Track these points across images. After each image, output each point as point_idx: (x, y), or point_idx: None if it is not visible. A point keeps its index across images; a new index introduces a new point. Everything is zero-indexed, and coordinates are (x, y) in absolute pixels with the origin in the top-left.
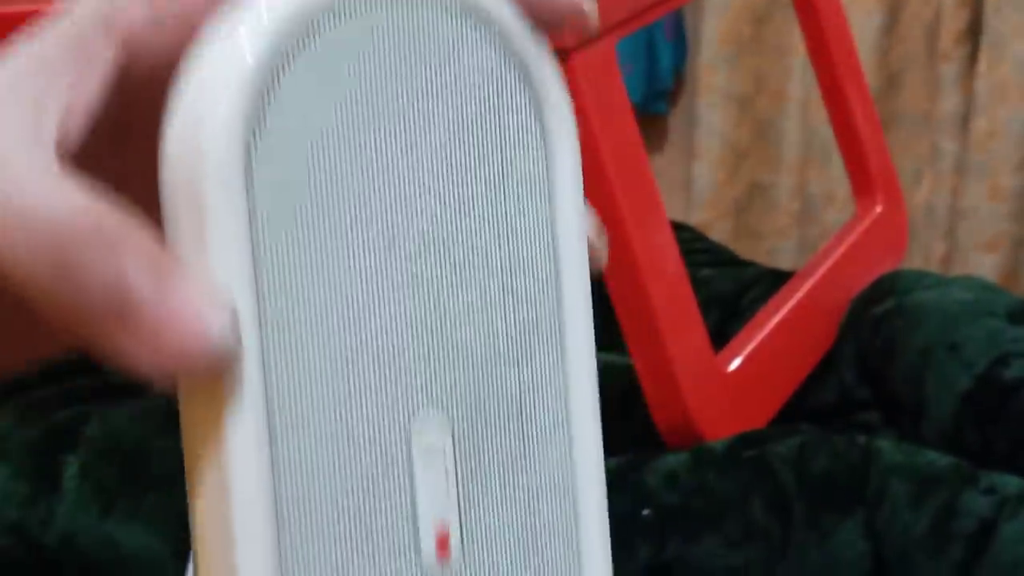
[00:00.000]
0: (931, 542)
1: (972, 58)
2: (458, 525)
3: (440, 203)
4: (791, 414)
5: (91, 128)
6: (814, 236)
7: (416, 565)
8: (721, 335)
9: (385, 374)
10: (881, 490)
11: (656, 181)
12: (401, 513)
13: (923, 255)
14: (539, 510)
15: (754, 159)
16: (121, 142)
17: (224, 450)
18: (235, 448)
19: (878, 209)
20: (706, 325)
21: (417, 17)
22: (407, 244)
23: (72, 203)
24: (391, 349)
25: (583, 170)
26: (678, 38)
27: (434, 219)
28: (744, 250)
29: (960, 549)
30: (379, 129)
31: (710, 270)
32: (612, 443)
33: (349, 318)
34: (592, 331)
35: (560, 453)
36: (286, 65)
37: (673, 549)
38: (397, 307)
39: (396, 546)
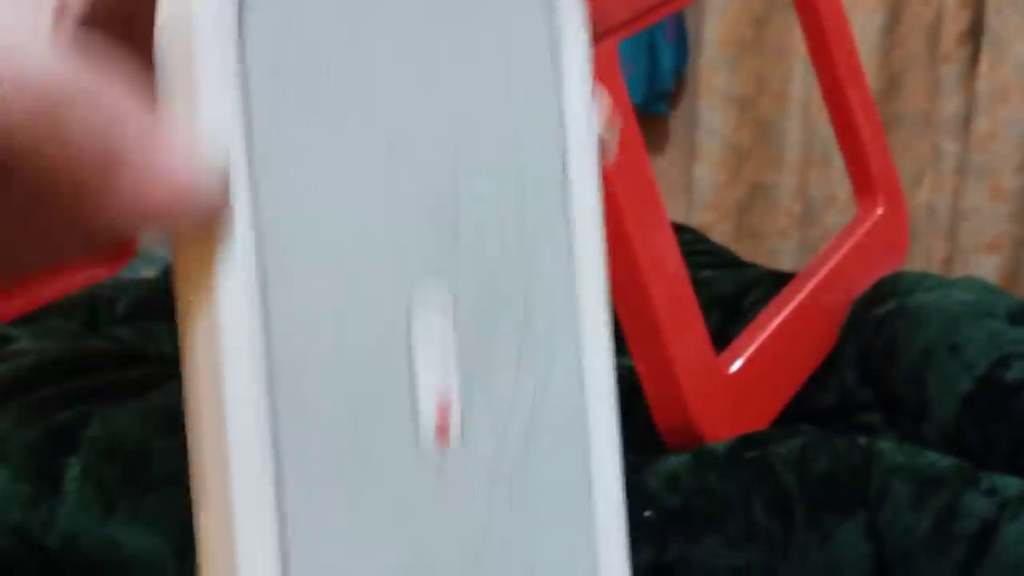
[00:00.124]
0: (933, 543)
1: (973, 59)
2: (458, 410)
3: (445, 86)
4: (792, 415)
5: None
6: (815, 237)
7: (413, 441)
8: (722, 336)
9: (384, 243)
10: (883, 491)
11: (657, 182)
12: (399, 386)
13: (924, 256)
14: (544, 410)
15: (755, 160)
16: (128, 26)
17: (215, 298)
18: (225, 294)
19: (879, 210)
20: (707, 326)
21: None
22: (410, 122)
23: (65, 64)
24: (391, 219)
25: None
26: (679, 39)
27: (439, 102)
28: (745, 251)
29: (962, 550)
30: (380, 9)
31: (711, 271)
32: None
33: (346, 181)
34: (602, 226)
35: (567, 355)
36: None
37: (675, 550)
38: (398, 180)
39: (392, 419)
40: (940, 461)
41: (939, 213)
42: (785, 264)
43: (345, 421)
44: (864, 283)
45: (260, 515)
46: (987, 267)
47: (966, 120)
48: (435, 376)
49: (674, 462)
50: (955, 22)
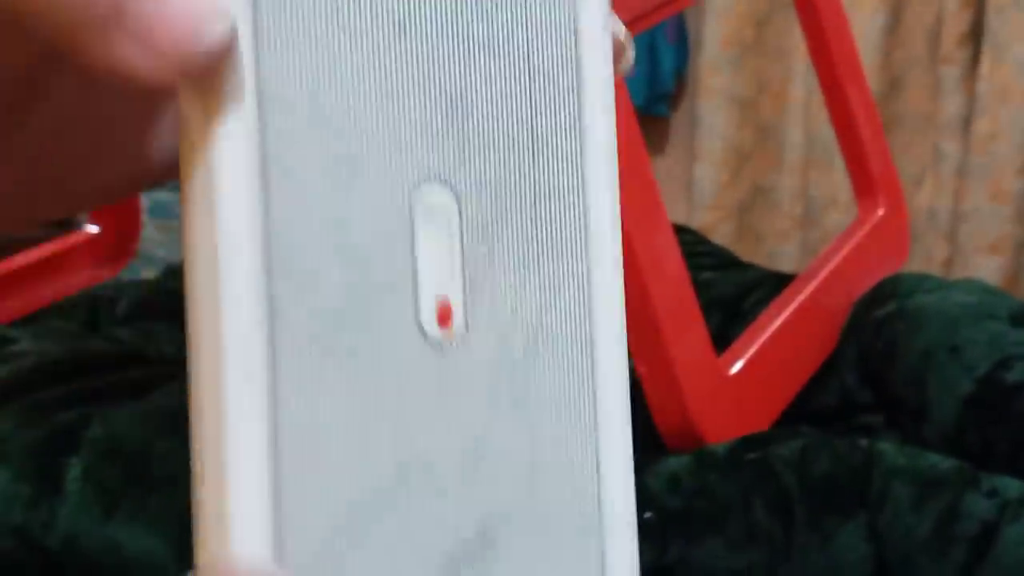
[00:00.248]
0: (933, 544)
1: (974, 60)
2: (461, 305)
3: None
4: (793, 417)
5: None
6: (816, 239)
7: (413, 336)
8: (723, 338)
9: (389, 133)
10: (883, 493)
11: (658, 183)
12: (401, 277)
13: (925, 258)
14: (550, 318)
15: (756, 161)
16: None
17: (213, 156)
18: (224, 152)
19: (880, 212)
20: (708, 328)
21: None
22: (421, 23)
23: None
24: (397, 110)
25: None
26: (680, 40)
27: (451, 8)
28: (746, 253)
29: (962, 552)
30: None
31: (712, 273)
32: None
33: (353, 67)
34: (614, 138)
35: (575, 266)
36: None
37: (675, 552)
38: (405, 76)
39: (393, 310)
40: (941, 463)
41: (940, 214)
42: (786, 265)
43: (343, 308)
44: (865, 285)
45: (251, 400)
46: (988, 269)
47: (967, 121)
48: (438, 276)
49: (674, 463)
50: (956, 23)
